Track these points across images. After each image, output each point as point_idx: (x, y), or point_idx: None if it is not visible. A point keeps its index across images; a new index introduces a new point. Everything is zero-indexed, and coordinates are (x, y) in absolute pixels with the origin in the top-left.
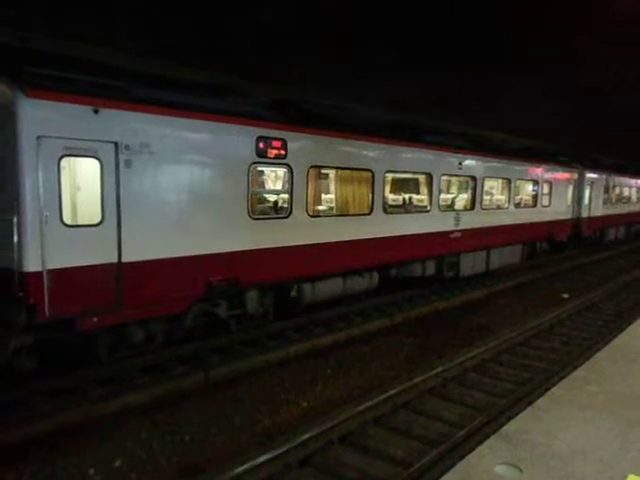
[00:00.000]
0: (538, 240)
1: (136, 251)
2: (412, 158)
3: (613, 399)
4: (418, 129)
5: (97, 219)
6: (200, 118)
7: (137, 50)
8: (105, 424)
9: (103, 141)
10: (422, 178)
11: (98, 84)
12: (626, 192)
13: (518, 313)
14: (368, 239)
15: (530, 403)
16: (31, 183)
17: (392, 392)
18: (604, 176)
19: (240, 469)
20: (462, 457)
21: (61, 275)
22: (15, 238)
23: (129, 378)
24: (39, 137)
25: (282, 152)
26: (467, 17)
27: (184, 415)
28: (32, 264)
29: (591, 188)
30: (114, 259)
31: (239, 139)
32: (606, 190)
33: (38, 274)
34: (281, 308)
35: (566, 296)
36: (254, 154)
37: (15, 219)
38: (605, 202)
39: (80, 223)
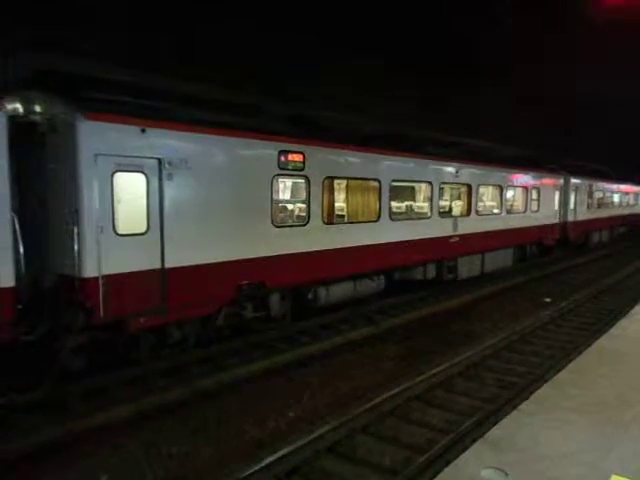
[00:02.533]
0: (528, 243)
1: (177, 257)
2: (414, 168)
3: (596, 401)
4: (418, 140)
5: (143, 228)
6: (230, 135)
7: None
8: (89, 439)
9: (149, 157)
10: (424, 186)
11: (144, 105)
12: (608, 196)
13: (502, 318)
14: (376, 244)
15: (515, 407)
16: (89, 197)
17: (378, 400)
18: (587, 182)
19: None
20: (448, 462)
21: (114, 280)
22: (75, 247)
23: (112, 391)
24: (96, 155)
25: (300, 164)
26: (449, 23)
27: (169, 428)
28: (89, 270)
29: (576, 193)
30: (158, 265)
31: (264, 153)
32: (590, 195)
33: (95, 279)
34: (296, 310)
35: (548, 300)
36: (276, 167)
37: (75, 230)
38: (589, 206)
39: (129, 232)
